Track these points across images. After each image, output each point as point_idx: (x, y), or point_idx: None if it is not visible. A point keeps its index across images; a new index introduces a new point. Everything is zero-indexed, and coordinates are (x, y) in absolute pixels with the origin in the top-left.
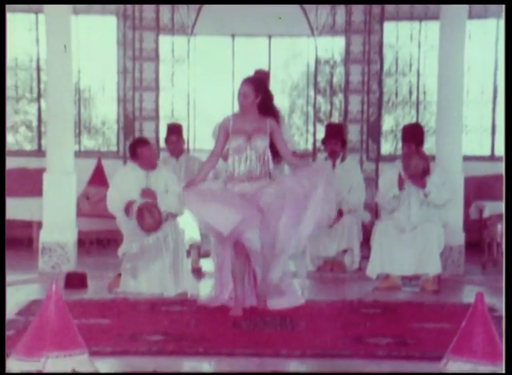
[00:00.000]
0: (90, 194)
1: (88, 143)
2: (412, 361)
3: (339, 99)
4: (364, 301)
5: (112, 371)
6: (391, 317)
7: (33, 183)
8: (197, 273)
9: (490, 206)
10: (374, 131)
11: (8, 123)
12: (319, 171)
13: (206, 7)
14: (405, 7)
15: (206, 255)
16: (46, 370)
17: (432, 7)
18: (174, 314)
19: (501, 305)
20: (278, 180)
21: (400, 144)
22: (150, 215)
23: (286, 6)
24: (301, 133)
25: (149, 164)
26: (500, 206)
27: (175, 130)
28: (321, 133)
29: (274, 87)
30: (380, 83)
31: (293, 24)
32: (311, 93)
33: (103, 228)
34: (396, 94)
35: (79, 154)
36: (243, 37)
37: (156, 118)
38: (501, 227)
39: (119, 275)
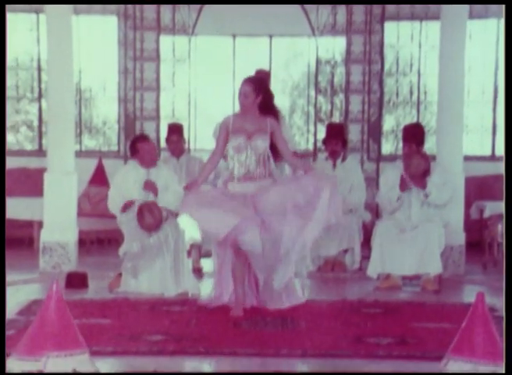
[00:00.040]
0: (91, 193)
1: (89, 143)
2: (413, 361)
3: (339, 99)
4: (365, 301)
5: (113, 371)
6: (392, 317)
7: (33, 183)
8: (198, 272)
9: (491, 206)
10: (374, 131)
11: (9, 122)
12: (324, 177)
13: (207, 7)
14: (406, 7)
15: (207, 254)
16: (47, 370)
17: (433, 7)
18: (175, 314)
19: (501, 304)
20: (280, 184)
21: (400, 144)
22: (150, 214)
23: (287, 6)
24: (302, 133)
25: (149, 160)
26: (501, 206)
27: (176, 130)
28: (321, 133)
29: (275, 87)
30: (381, 83)
31: (294, 24)
32: (312, 93)
33: (104, 228)
34: (397, 94)
35: (80, 154)
36: (244, 36)
37: (157, 118)
38: (501, 227)
39: (120, 275)
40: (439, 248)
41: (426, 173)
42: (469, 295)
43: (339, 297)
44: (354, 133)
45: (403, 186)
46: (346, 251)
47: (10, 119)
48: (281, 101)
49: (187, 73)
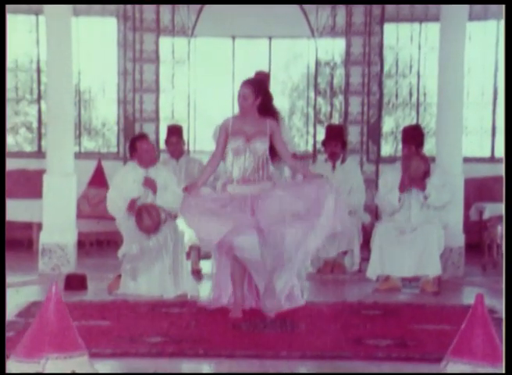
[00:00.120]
0: (91, 195)
1: (88, 144)
2: (412, 362)
3: (339, 101)
4: (364, 303)
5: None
6: (391, 319)
7: (33, 185)
8: (197, 274)
9: (490, 208)
10: (374, 133)
11: (9, 124)
12: (324, 183)
13: (206, 8)
14: (405, 9)
15: (206, 256)
16: (46, 372)
17: (432, 9)
18: (174, 316)
19: (501, 306)
20: (280, 189)
21: (400, 146)
22: (148, 216)
23: (287, 8)
24: (301, 134)
25: (148, 159)
26: (500, 208)
27: (175, 132)
28: (321, 135)
29: (274, 88)
30: (380, 84)
31: (294, 26)
32: (312, 94)
33: (103, 230)
34: (397, 96)
35: (79, 155)
36: (243, 38)
37: (156, 119)
38: (501, 229)
39: (119, 276)
40: (438, 249)
41: (426, 174)
42: (468, 297)
43: (339, 299)
44: (354, 135)
45: (403, 187)
46: (345, 252)
47: (9, 121)
48: (280, 102)
49: (187, 75)
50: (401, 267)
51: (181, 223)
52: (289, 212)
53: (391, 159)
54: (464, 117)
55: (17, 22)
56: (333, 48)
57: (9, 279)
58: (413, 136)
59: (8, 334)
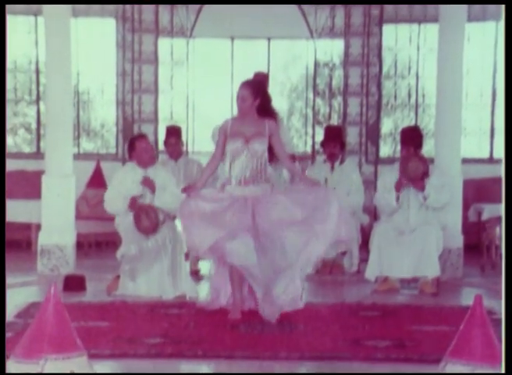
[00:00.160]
0: (89, 196)
1: (87, 145)
2: (411, 363)
3: (338, 102)
4: (363, 304)
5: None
6: (390, 320)
7: (31, 186)
8: (196, 275)
9: (489, 209)
10: (373, 134)
11: (8, 125)
12: (327, 191)
13: (205, 9)
14: (404, 10)
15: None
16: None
17: (431, 10)
18: (173, 317)
19: (500, 307)
20: (280, 195)
21: (398, 147)
22: (146, 217)
23: (285, 9)
24: (300, 135)
25: (147, 158)
26: (499, 209)
27: (174, 133)
28: (320, 136)
29: (273, 89)
30: (379, 85)
31: (292, 27)
32: (310, 95)
33: (102, 230)
34: (395, 97)
35: (78, 156)
36: (242, 39)
37: (155, 120)
38: (500, 230)
39: (118, 277)
40: (437, 250)
41: (424, 175)
42: (467, 298)
43: (337, 300)
44: (352, 136)
45: (399, 186)
46: (344, 253)
47: (8, 122)
48: (279, 103)
49: (185, 76)
50: (400, 268)
51: (180, 223)
52: (290, 218)
53: (390, 160)
54: (462, 118)
55: (16, 23)
56: (332, 49)
57: (8, 280)
58: (411, 137)
59: (7, 335)
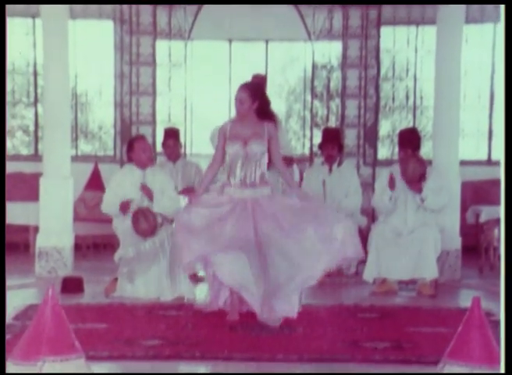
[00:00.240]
0: (87, 198)
1: (85, 147)
2: (409, 365)
3: (335, 104)
4: (361, 306)
5: None
6: (388, 321)
7: (29, 188)
8: (194, 277)
9: (487, 211)
10: (371, 136)
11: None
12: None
13: (203, 11)
14: (402, 12)
15: None
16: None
17: (429, 11)
18: (171, 318)
19: (498, 309)
20: (281, 197)
21: (396, 149)
22: (145, 220)
23: (283, 11)
24: (298, 137)
25: (145, 158)
26: (497, 211)
27: (172, 135)
28: (318, 138)
29: (271, 91)
30: (377, 87)
31: (290, 29)
32: (308, 97)
33: (100, 233)
34: (393, 99)
35: (76, 158)
36: (240, 41)
37: (153, 122)
38: (498, 232)
39: (116, 279)
40: (435, 252)
41: (422, 177)
42: (465, 300)
43: (336, 301)
44: (350, 138)
45: (392, 184)
46: None
47: (6, 124)
48: (277, 105)
49: (183, 78)
50: (398, 270)
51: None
52: (291, 224)
53: (388, 162)
54: (460, 120)
55: (14, 25)
56: (330, 51)
57: (6, 282)
58: (409, 139)
59: (6, 337)
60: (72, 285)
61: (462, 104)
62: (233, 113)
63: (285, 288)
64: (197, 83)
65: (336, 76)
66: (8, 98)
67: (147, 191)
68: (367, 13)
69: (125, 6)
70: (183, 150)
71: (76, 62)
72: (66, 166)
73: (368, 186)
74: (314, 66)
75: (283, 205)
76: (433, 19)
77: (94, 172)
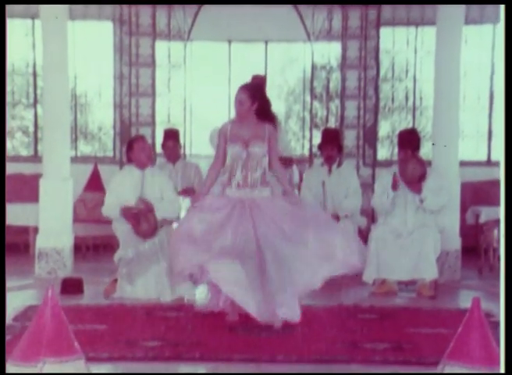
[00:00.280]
0: (87, 199)
1: (84, 148)
2: (409, 366)
3: (335, 105)
4: (361, 307)
5: None
6: (387, 322)
7: (29, 189)
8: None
9: (486, 211)
10: (370, 137)
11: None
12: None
13: (202, 12)
14: (401, 12)
15: None
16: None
17: (429, 12)
18: (170, 319)
19: (498, 310)
20: (281, 198)
21: (396, 150)
22: (145, 221)
23: (283, 11)
24: (297, 138)
25: (145, 158)
26: (496, 211)
27: (171, 136)
28: (317, 139)
29: (270, 92)
30: (376, 88)
31: (290, 29)
32: (308, 98)
33: (99, 234)
34: (393, 100)
35: (75, 159)
36: (239, 42)
37: (152, 123)
38: (497, 232)
39: (115, 280)
40: (434, 253)
41: (422, 178)
42: (465, 300)
43: (335, 302)
44: (350, 139)
45: (395, 185)
46: None
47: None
48: (276, 106)
49: (183, 79)
50: (397, 271)
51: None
52: (290, 227)
53: (387, 163)
54: (460, 121)
55: (13, 26)
56: (329, 51)
57: (6, 283)
58: (409, 140)
59: (6, 338)
60: (71, 286)
61: (461, 104)
62: (233, 114)
63: (285, 293)
64: (196, 84)
65: (336, 76)
66: (8, 99)
67: (145, 204)
68: (366, 14)
69: (124, 7)
70: (182, 151)
71: (75, 63)
72: (66, 167)
73: (367, 187)
74: (313, 67)
75: (284, 209)
76: (433, 20)
77: (94, 173)
